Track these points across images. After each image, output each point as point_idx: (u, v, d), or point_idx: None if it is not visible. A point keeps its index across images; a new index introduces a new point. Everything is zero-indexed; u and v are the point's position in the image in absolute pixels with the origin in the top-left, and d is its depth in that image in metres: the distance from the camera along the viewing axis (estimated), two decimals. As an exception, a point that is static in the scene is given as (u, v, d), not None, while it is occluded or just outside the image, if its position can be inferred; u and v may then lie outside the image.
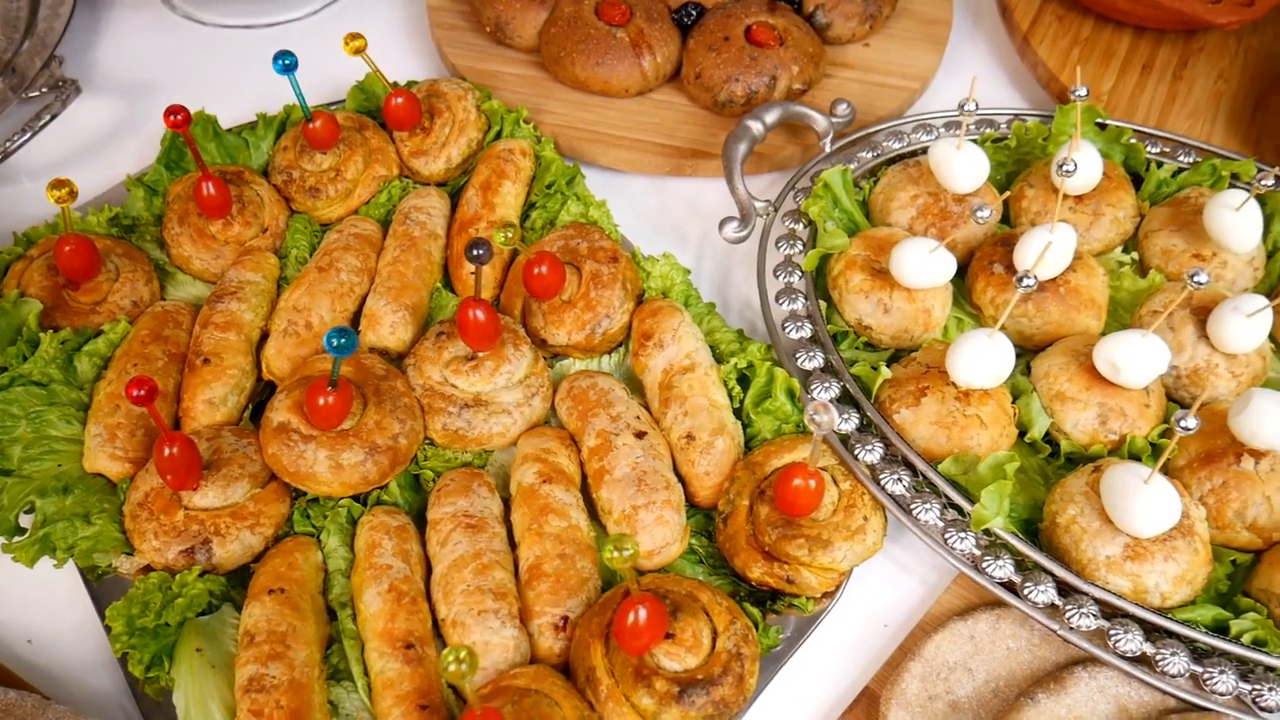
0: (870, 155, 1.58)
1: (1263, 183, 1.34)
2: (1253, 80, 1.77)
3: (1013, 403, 1.35)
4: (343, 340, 1.15)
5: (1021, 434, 1.35)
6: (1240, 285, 1.47)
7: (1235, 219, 1.40)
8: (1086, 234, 1.51)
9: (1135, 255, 1.54)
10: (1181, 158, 1.59)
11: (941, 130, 1.62)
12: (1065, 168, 1.35)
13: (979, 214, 1.31)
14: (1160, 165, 1.58)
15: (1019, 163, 1.61)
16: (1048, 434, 1.34)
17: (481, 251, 1.25)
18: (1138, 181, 1.58)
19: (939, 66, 1.83)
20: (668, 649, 1.13)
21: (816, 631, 1.27)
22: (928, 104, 1.82)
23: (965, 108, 1.41)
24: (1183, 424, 1.09)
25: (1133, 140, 1.59)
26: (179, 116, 1.39)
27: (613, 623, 1.12)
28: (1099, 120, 1.60)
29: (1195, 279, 1.23)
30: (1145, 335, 1.27)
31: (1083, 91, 1.42)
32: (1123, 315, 1.47)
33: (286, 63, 1.43)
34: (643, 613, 1.09)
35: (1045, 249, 1.24)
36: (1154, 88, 1.76)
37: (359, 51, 1.49)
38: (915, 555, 1.34)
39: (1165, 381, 1.38)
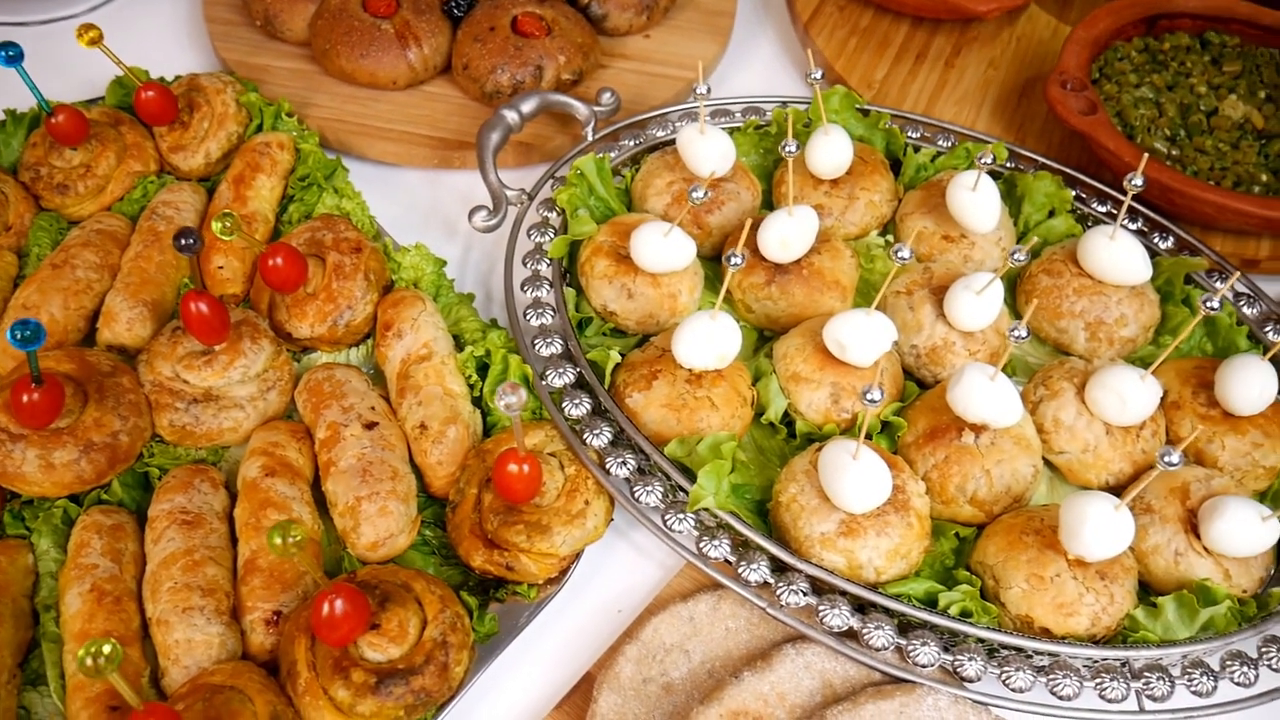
0: (632, 143, 1.58)
1: (983, 160, 1.36)
2: (1021, 68, 1.81)
3: (754, 384, 1.35)
4: (26, 332, 1.12)
5: (761, 415, 1.35)
6: (990, 265, 1.49)
7: (973, 199, 1.42)
8: (842, 217, 1.52)
9: (891, 238, 1.55)
10: (941, 142, 1.62)
11: (710, 118, 1.63)
12: (788, 149, 1.36)
13: (694, 196, 1.30)
14: (918, 150, 1.60)
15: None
16: (786, 414, 1.34)
17: (189, 241, 1.22)
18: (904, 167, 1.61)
19: (720, 56, 1.84)
20: (371, 640, 1.11)
21: (547, 619, 1.26)
22: (714, 93, 1.82)
23: (698, 90, 1.41)
24: (869, 396, 1.10)
25: (891, 125, 1.61)
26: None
27: (310, 615, 1.10)
28: (860, 106, 1.62)
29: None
30: (869, 314, 1.28)
31: (818, 74, 1.43)
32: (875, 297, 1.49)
33: (10, 54, 1.39)
34: (338, 604, 1.07)
35: (746, 228, 1.24)
36: (926, 76, 1.79)
37: (94, 43, 1.45)
38: (653, 540, 1.33)
39: (907, 361, 1.40)
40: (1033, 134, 1.71)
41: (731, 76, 1.88)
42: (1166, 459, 1.07)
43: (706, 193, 1.29)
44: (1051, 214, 1.55)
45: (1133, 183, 1.33)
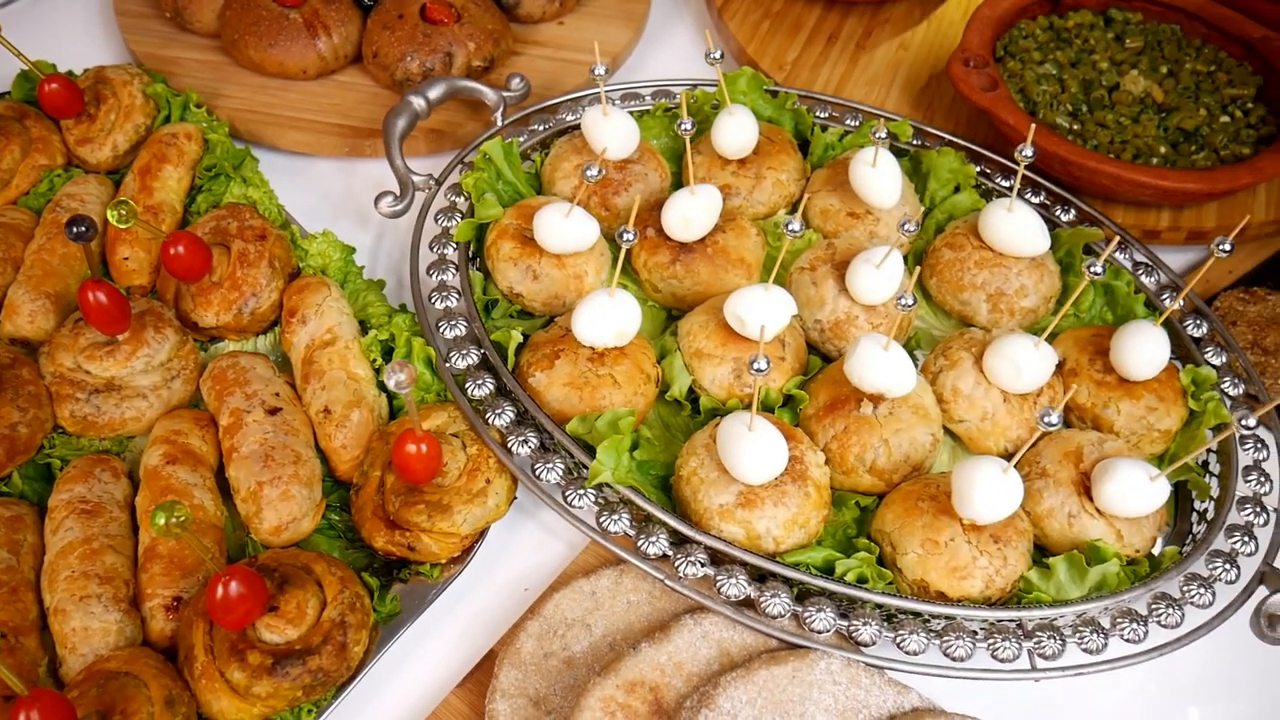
0: (542, 128, 1.59)
1: (878, 135, 1.38)
2: (931, 48, 1.83)
3: (659, 362, 1.36)
4: (-90, 324, 1.11)
5: (666, 392, 1.36)
6: (895, 241, 1.50)
7: (873, 175, 1.43)
8: (750, 196, 1.53)
9: (799, 215, 1.57)
10: (850, 122, 1.63)
11: (618, 101, 1.64)
12: (683, 127, 1.37)
13: (589, 174, 1.31)
14: (825, 129, 1.62)
15: (697, 131, 1.63)
16: (691, 391, 1.35)
17: (82, 229, 1.22)
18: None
19: (635, 42, 1.85)
20: (269, 622, 1.11)
21: (454, 598, 1.26)
22: (629, 77, 1.83)
23: (596, 72, 1.42)
24: (755, 366, 1.11)
25: (799, 105, 1.62)
26: None
27: (205, 599, 1.10)
28: (768, 88, 1.64)
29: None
30: (768, 289, 1.29)
31: (717, 55, 1.44)
32: (784, 275, 1.50)
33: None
34: (232, 587, 1.07)
35: (636, 205, 1.25)
36: (837, 57, 1.81)
37: (-7, 35, 1.44)
38: (561, 519, 1.34)
39: (812, 336, 1.41)
40: (940, 112, 1.73)
41: (649, 61, 1.89)
42: (1046, 419, 1.08)
43: (601, 170, 1.30)
44: (957, 189, 1.57)
45: (1023, 154, 1.35)
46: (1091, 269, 1.24)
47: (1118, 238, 1.33)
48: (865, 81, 1.78)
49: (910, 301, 1.17)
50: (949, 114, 1.73)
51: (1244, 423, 1.10)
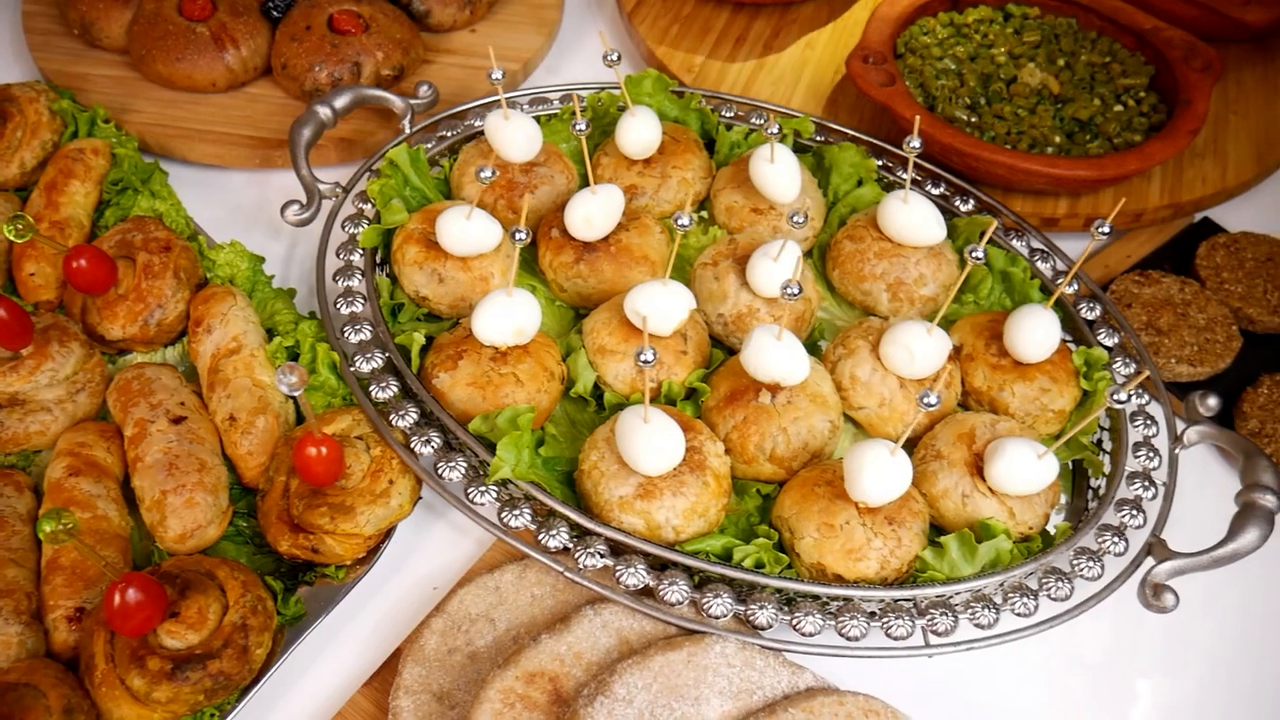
0: (451, 134, 1.60)
1: (770, 132, 1.40)
2: (836, 48, 1.86)
3: (565, 360, 1.38)
4: None
5: (570, 389, 1.38)
6: (798, 236, 1.53)
7: (772, 170, 1.46)
8: (656, 195, 1.55)
9: (706, 214, 1.60)
10: (755, 120, 1.66)
11: (525, 106, 1.66)
12: (578, 127, 1.39)
13: (482, 175, 1.33)
14: (730, 128, 1.65)
15: (604, 134, 1.65)
16: (597, 387, 1.37)
17: (-27, 243, 1.22)
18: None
19: (548, 48, 1.87)
20: (169, 628, 1.12)
21: (362, 599, 1.28)
22: (543, 83, 1.85)
23: (493, 76, 1.44)
24: (643, 358, 1.13)
25: (704, 105, 1.65)
26: None
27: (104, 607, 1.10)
28: (674, 89, 1.66)
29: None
30: (665, 284, 1.32)
31: (614, 57, 1.47)
32: (689, 271, 1.52)
33: None
34: (130, 594, 1.08)
35: (526, 205, 1.27)
36: (745, 58, 1.84)
37: (-111, 54, 1.44)
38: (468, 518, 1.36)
39: (716, 330, 1.43)
40: (845, 109, 1.77)
41: (564, 67, 1.91)
42: (925, 400, 1.11)
43: (494, 172, 1.32)
44: (860, 184, 1.60)
45: (910, 145, 1.38)
46: (973, 253, 1.27)
47: (996, 222, 1.37)
48: (772, 81, 1.81)
49: (795, 291, 1.20)
50: (853, 111, 1.77)
51: (1115, 397, 1.13)
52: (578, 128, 1.39)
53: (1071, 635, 1.29)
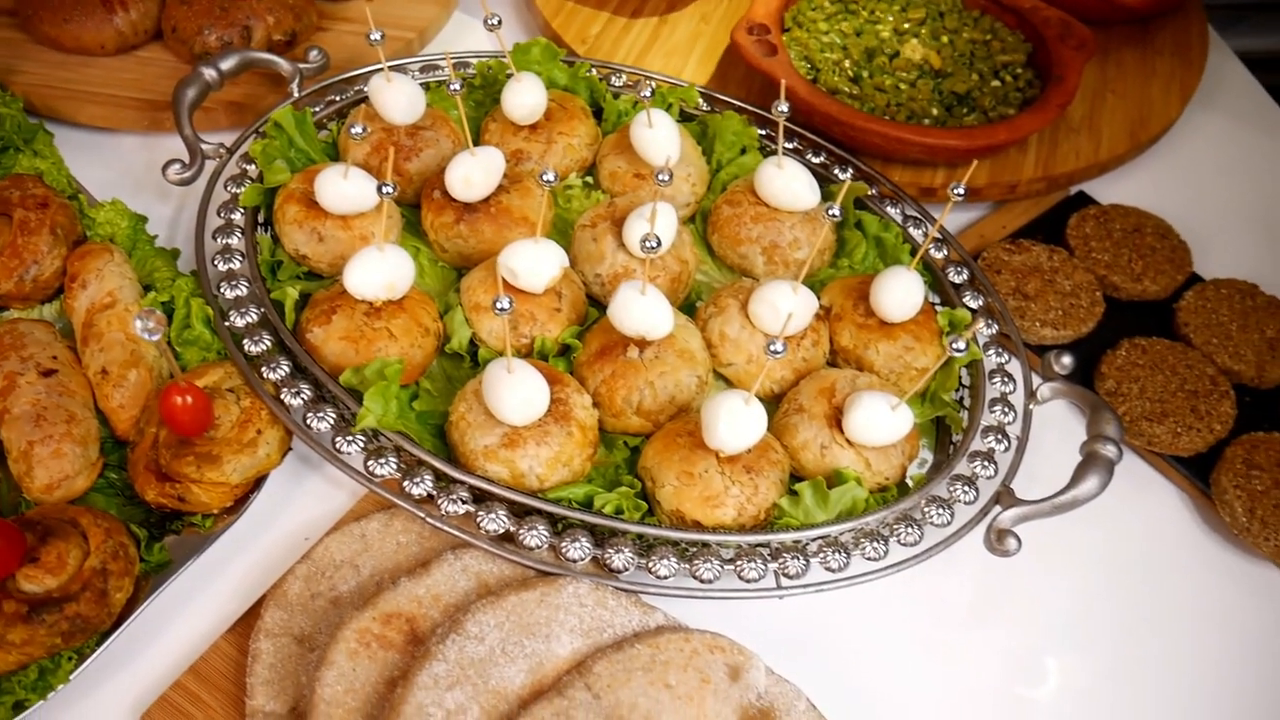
0: (340, 99, 1.62)
1: (644, 96, 1.44)
2: (729, 21, 1.90)
3: (442, 317, 1.40)
4: None
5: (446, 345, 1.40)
6: (680, 200, 1.57)
7: (651, 135, 1.49)
8: (542, 160, 1.58)
9: (591, 179, 1.62)
10: (645, 93, 1.69)
11: (417, 72, 1.68)
12: (452, 88, 1.42)
13: (353, 132, 1.35)
14: (618, 97, 1.68)
15: (494, 101, 1.67)
16: (473, 343, 1.40)
17: None
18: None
19: (446, 18, 1.89)
20: (27, 572, 1.13)
21: (233, 549, 1.29)
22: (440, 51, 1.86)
23: (371, 38, 1.46)
24: (499, 306, 1.16)
25: (591, 73, 1.68)
26: None
27: (-40, 553, 1.11)
28: (564, 58, 1.69)
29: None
30: (537, 241, 1.34)
31: (495, 21, 1.49)
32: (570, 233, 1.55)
33: None
34: (-15, 539, 1.09)
35: (391, 155, 1.28)
36: (639, 31, 1.87)
37: None
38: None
39: (594, 289, 1.46)
40: (735, 82, 1.81)
41: (463, 37, 1.92)
42: (772, 348, 1.15)
43: (365, 128, 1.33)
44: (744, 151, 1.63)
45: (778, 109, 1.42)
46: (829, 211, 1.31)
47: (849, 182, 1.42)
48: (665, 54, 1.84)
49: (654, 244, 1.23)
50: (742, 83, 1.80)
51: (954, 346, 1.17)
52: (452, 87, 1.42)
53: (934, 589, 1.33)
